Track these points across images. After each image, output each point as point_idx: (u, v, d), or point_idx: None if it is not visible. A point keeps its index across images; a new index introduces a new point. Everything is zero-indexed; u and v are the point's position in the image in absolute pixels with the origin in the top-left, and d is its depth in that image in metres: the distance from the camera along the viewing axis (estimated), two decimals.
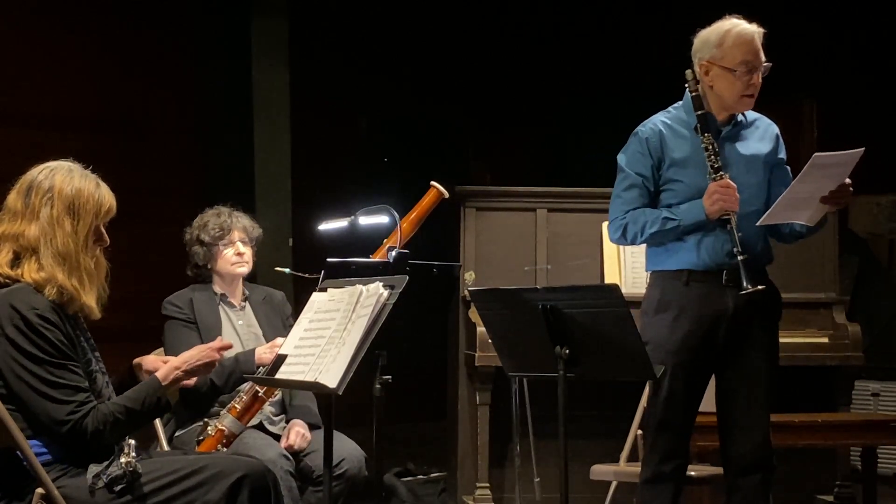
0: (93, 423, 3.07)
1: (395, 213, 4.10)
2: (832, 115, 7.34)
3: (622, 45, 7.85)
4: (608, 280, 5.44)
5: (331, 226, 4.39)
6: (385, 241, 4.13)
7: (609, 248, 5.47)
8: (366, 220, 4.26)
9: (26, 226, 3.14)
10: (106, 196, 3.24)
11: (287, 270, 4.51)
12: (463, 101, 8.39)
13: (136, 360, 3.47)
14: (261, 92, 6.94)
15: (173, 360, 3.33)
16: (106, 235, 3.25)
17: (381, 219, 4.17)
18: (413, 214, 4.20)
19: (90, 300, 3.18)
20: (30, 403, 3.05)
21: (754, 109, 3.95)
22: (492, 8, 8.21)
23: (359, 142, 8.54)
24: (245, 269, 4.47)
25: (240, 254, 4.44)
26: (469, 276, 5.65)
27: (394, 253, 3.92)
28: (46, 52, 6.59)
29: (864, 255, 7.34)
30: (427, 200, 4.23)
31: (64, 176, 3.19)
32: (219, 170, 7.03)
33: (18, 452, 3.02)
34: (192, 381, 3.40)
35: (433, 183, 4.23)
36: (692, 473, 4.38)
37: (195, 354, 3.34)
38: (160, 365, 3.35)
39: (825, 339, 5.67)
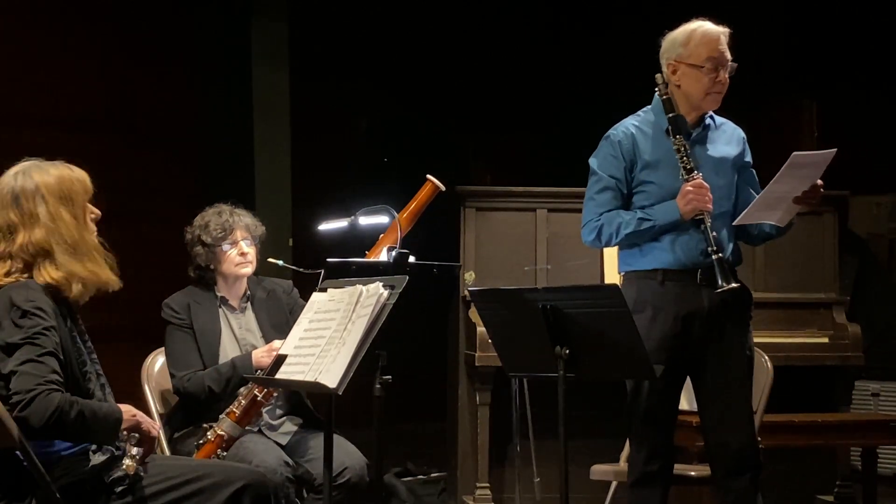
0: (61, 401, 2.96)
1: (395, 213, 4.10)
2: (832, 115, 7.33)
3: (622, 46, 7.85)
4: (608, 280, 5.44)
5: (331, 226, 4.39)
6: (382, 237, 4.13)
7: (609, 248, 5.47)
8: (366, 220, 4.26)
9: (30, 232, 3.13)
10: (81, 174, 3.26)
11: (280, 262, 4.45)
12: (463, 102, 8.39)
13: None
14: (261, 92, 6.94)
15: (135, 410, 3.20)
16: (95, 209, 3.27)
17: (381, 219, 4.17)
18: (410, 208, 4.20)
19: (107, 273, 3.19)
20: (9, 381, 2.99)
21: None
22: (492, 8, 8.21)
23: (359, 142, 8.54)
24: (249, 270, 4.39)
25: (243, 254, 4.34)
26: (469, 276, 5.66)
27: (393, 253, 3.92)
28: (46, 53, 6.59)
29: (864, 255, 7.33)
30: (423, 194, 4.23)
31: (39, 171, 3.19)
32: (219, 170, 7.02)
33: (18, 452, 3.02)
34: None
35: (429, 176, 4.23)
36: (692, 473, 4.39)
37: (148, 423, 3.18)
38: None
39: (825, 339, 5.68)
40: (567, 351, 3.39)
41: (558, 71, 8.28)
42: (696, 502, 4.94)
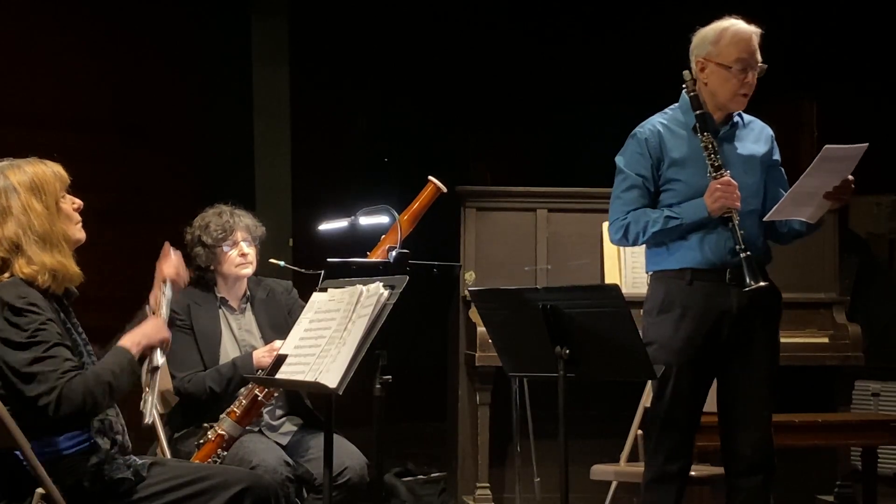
0: (83, 384, 2.99)
1: (395, 213, 4.09)
2: (832, 115, 7.34)
3: (623, 47, 7.86)
4: (608, 280, 5.44)
5: (331, 226, 4.38)
6: (383, 237, 4.12)
7: (609, 248, 5.48)
8: (366, 220, 4.25)
9: (2, 228, 3.14)
10: (55, 166, 3.26)
11: (282, 263, 4.45)
12: (463, 101, 8.39)
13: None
14: (261, 92, 6.94)
15: (137, 332, 3.26)
16: (76, 199, 3.27)
17: (381, 219, 4.17)
18: (411, 210, 4.20)
19: (72, 265, 3.19)
20: (19, 386, 2.99)
21: (755, 108, 3.96)
22: (493, 8, 8.21)
23: (359, 142, 8.54)
24: (249, 271, 4.39)
25: (244, 254, 4.34)
26: (469, 276, 5.66)
27: (394, 253, 3.92)
28: (46, 53, 6.60)
29: (864, 255, 7.34)
30: (425, 195, 4.23)
31: (12, 169, 3.21)
32: (219, 170, 7.03)
33: (18, 452, 3.02)
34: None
35: (431, 178, 4.23)
36: (692, 473, 4.38)
37: (154, 335, 3.26)
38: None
39: (825, 339, 5.67)
40: (567, 351, 3.38)
41: (559, 71, 8.28)
42: (696, 502, 4.94)
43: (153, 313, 3.36)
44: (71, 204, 3.26)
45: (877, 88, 7.36)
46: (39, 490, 3.00)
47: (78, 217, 3.27)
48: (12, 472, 3.05)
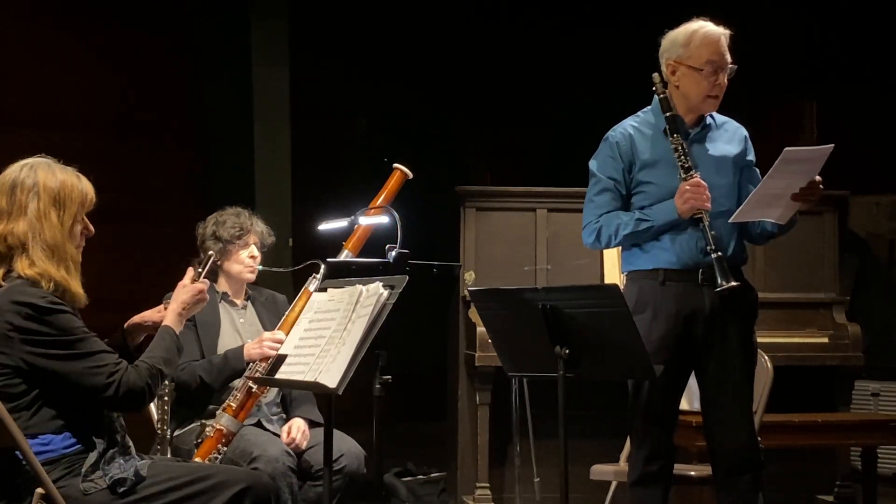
0: (138, 378, 3.11)
1: (395, 213, 4.10)
2: (832, 115, 7.33)
3: (624, 45, 7.85)
4: (608, 280, 5.44)
5: (330, 226, 4.39)
6: (356, 227, 4.16)
7: (610, 249, 5.48)
8: (366, 220, 4.26)
9: (14, 223, 3.14)
10: (87, 186, 3.26)
11: (259, 267, 4.53)
12: (463, 101, 8.39)
13: (132, 322, 3.47)
14: (261, 92, 6.94)
15: (172, 306, 3.38)
16: (90, 225, 3.26)
17: (381, 219, 4.18)
18: (380, 199, 4.24)
19: (77, 287, 3.19)
20: (72, 381, 3.06)
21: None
22: (493, 6, 8.21)
23: (359, 142, 8.54)
24: (252, 277, 4.51)
25: (253, 257, 4.45)
26: (469, 276, 5.66)
27: (394, 253, 3.92)
28: (47, 53, 6.60)
29: (864, 255, 7.34)
30: (392, 183, 4.28)
31: (46, 170, 3.20)
32: (219, 170, 7.03)
33: (18, 452, 3.02)
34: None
35: (396, 165, 4.28)
36: (692, 473, 4.39)
37: (188, 297, 3.39)
38: (157, 317, 3.42)
39: (825, 339, 5.68)
40: (567, 351, 3.39)
41: (559, 70, 8.28)
42: (696, 502, 4.94)
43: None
44: (83, 229, 3.25)
45: (877, 88, 7.36)
46: (39, 490, 3.00)
47: (81, 242, 3.26)
48: (12, 472, 3.05)
